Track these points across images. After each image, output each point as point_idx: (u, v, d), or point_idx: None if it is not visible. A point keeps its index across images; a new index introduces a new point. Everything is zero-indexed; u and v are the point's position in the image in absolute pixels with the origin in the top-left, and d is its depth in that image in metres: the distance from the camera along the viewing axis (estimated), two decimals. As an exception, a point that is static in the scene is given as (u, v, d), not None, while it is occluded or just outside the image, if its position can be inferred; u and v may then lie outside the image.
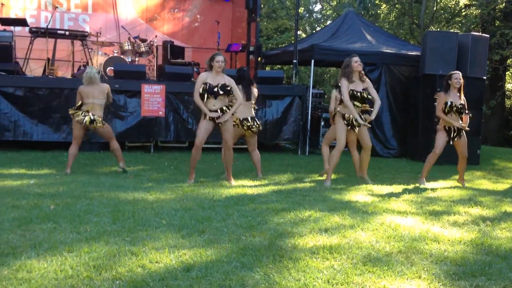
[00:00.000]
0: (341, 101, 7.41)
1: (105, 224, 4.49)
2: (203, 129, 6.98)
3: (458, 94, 7.45)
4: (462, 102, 7.43)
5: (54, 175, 7.28)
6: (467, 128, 7.59)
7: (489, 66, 14.72)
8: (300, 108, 11.31)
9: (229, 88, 6.88)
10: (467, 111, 7.49)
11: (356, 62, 7.34)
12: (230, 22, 15.31)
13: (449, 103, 7.34)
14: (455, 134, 7.47)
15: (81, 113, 7.49)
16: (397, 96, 11.86)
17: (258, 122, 7.81)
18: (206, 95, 6.85)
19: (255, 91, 7.89)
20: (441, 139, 7.49)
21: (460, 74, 7.51)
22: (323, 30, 14.72)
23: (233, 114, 7.14)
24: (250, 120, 7.63)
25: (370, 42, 12.54)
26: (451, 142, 7.54)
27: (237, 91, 7.01)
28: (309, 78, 12.76)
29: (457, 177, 8.18)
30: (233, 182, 7.08)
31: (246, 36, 14.36)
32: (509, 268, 3.66)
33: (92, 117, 7.49)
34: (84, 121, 7.44)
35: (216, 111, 6.91)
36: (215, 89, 6.83)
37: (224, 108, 6.95)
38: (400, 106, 11.87)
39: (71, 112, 7.62)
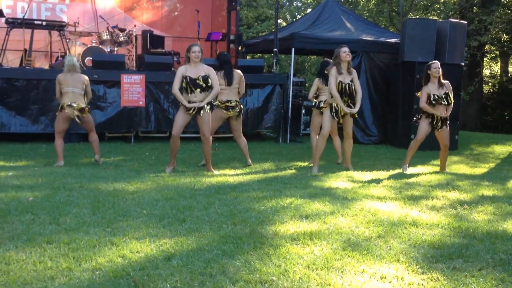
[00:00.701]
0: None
1: (85, 215, 4.46)
2: (180, 120, 6.98)
3: (439, 83, 7.46)
4: (446, 90, 7.44)
5: (32, 167, 7.21)
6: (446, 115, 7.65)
7: (467, 53, 14.86)
8: (281, 97, 11.33)
9: (207, 80, 6.87)
10: (451, 100, 7.46)
11: (344, 52, 7.36)
12: (210, 11, 15.22)
13: (431, 96, 7.36)
14: (439, 123, 7.48)
15: (66, 106, 7.36)
16: (377, 84, 11.94)
17: (241, 106, 7.81)
18: (189, 89, 6.82)
19: (238, 74, 7.81)
20: (423, 127, 7.53)
21: (439, 63, 7.54)
22: (303, 19, 14.72)
23: (212, 103, 7.12)
24: (232, 102, 7.62)
25: (350, 30, 12.58)
26: (435, 130, 7.56)
27: (215, 80, 6.98)
28: (289, 66, 12.77)
29: (436, 162, 8.27)
30: (216, 172, 7.08)
31: (226, 25, 14.31)
32: (486, 250, 3.72)
33: (81, 106, 7.40)
34: (72, 113, 7.36)
35: (193, 103, 6.89)
36: (197, 81, 6.80)
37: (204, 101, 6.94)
38: (380, 93, 11.96)
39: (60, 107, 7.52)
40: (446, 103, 7.37)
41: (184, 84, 6.82)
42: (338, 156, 8.54)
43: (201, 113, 6.90)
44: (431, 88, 7.40)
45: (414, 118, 7.74)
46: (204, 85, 6.82)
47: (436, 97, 7.34)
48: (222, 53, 8.23)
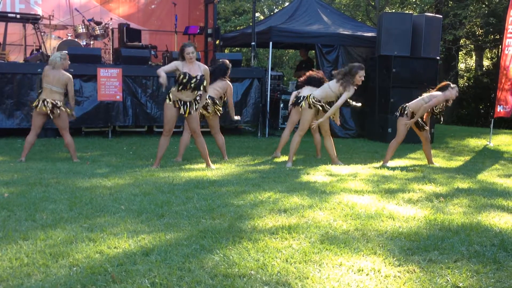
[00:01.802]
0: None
1: (61, 211, 4.41)
2: (169, 117, 6.86)
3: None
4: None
5: (8, 162, 7.10)
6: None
7: (442, 47, 15.04)
8: (259, 91, 11.33)
9: (201, 80, 6.76)
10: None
11: (360, 77, 7.40)
12: (187, 4, 15.11)
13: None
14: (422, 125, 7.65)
15: (40, 101, 7.22)
16: (355, 77, 11.99)
17: (219, 106, 7.79)
18: (183, 86, 6.73)
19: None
20: (403, 128, 7.61)
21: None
22: (281, 12, 14.72)
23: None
24: (208, 98, 7.59)
25: (327, 23, 12.64)
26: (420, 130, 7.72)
27: (207, 83, 6.92)
28: (267, 60, 12.77)
29: (412, 155, 8.37)
30: (213, 167, 7.03)
31: (203, 18, 14.24)
32: (461, 242, 3.79)
33: (53, 103, 7.25)
34: (40, 107, 7.19)
35: (186, 102, 6.80)
36: (193, 80, 6.70)
37: (193, 100, 6.86)
38: (358, 87, 12.01)
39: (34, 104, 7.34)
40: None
41: (183, 80, 6.72)
42: (317, 152, 8.56)
43: (192, 111, 6.83)
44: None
45: (397, 114, 7.75)
46: (196, 85, 6.74)
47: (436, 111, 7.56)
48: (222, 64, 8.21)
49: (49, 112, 7.19)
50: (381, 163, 7.81)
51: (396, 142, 7.67)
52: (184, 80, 6.70)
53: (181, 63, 6.80)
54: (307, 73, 8.08)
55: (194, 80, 6.70)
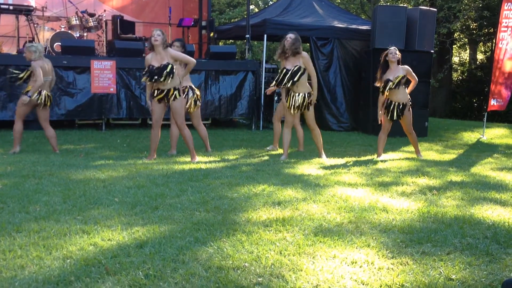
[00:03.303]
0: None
1: (55, 203, 4.41)
2: (156, 109, 6.84)
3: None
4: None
5: (1, 155, 7.07)
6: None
7: (436, 40, 15.05)
8: (253, 83, 11.32)
9: (168, 69, 6.58)
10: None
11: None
12: (181, -4, 15.06)
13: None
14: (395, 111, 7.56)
15: (36, 92, 7.19)
16: (350, 71, 12.02)
17: (198, 94, 7.69)
18: (150, 79, 6.66)
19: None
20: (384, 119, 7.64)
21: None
22: (276, 5, 14.68)
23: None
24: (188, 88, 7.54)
25: (322, 16, 12.62)
26: (395, 119, 7.62)
27: (184, 56, 6.80)
28: (262, 53, 12.74)
29: (406, 148, 8.39)
30: (197, 159, 6.99)
31: (198, 10, 14.18)
32: (454, 234, 3.81)
33: (48, 94, 7.28)
34: (40, 100, 7.20)
35: (163, 91, 6.72)
36: (155, 72, 6.60)
37: (173, 88, 6.73)
38: (353, 80, 12.05)
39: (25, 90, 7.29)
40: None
41: (145, 74, 6.71)
42: (300, 145, 8.49)
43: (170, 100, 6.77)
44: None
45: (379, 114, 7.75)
46: (157, 77, 6.61)
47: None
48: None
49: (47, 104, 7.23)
50: (375, 156, 7.82)
51: (380, 134, 7.71)
52: (147, 74, 6.68)
53: (150, 55, 6.74)
54: None
55: (156, 71, 6.61)
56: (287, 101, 7.25)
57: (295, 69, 7.06)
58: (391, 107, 7.49)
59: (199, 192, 4.89)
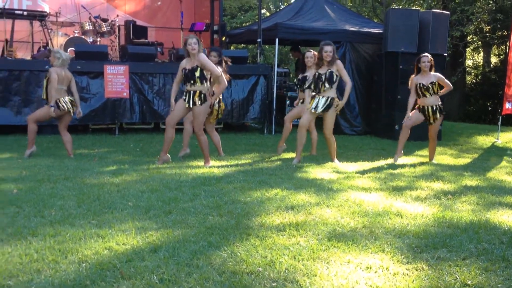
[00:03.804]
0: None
1: (70, 207, 4.44)
2: (175, 108, 6.90)
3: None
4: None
5: (16, 159, 7.13)
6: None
7: (449, 43, 14.96)
8: (265, 87, 11.32)
9: (197, 73, 6.65)
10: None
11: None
12: (193, 1, 15.09)
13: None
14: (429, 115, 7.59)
15: (62, 101, 7.26)
16: (362, 74, 11.98)
17: (222, 107, 7.77)
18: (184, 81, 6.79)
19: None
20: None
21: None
22: (287, 9, 14.69)
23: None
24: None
25: (334, 20, 12.60)
26: (428, 122, 7.65)
27: (211, 67, 6.75)
28: (274, 57, 12.75)
29: (420, 152, 8.34)
30: (210, 163, 7.00)
31: (209, 15, 14.21)
32: (469, 239, 3.78)
33: (71, 101, 7.38)
34: (67, 107, 7.30)
35: (189, 93, 6.76)
36: (188, 74, 6.71)
37: (198, 92, 6.73)
38: (365, 84, 12.00)
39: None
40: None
41: (180, 78, 6.82)
42: (313, 149, 8.47)
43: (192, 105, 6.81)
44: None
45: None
46: (189, 77, 6.72)
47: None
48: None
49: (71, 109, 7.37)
50: (388, 160, 7.80)
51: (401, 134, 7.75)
52: (182, 75, 6.81)
53: (185, 60, 6.85)
54: None
55: (189, 73, 6.70)
56: (310, 102, 7.34)
57: (329, 74, 7.21)
58: (425, 112, 7.55)
59: (212, 197, 4.89)
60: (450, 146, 10.32)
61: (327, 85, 7.21)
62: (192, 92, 6.76)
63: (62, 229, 3.82)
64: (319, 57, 7.36)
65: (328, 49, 7.18)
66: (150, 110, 10.57)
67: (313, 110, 7.31)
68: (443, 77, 7.62)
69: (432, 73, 7.54)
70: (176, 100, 6.98)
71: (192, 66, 6.70)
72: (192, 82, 6.71)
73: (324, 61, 7.26)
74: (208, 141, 7.08)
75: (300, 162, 7.31)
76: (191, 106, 6.78)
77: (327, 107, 7.28)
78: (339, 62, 7.34)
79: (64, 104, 7.28)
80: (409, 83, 7.66)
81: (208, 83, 6.85)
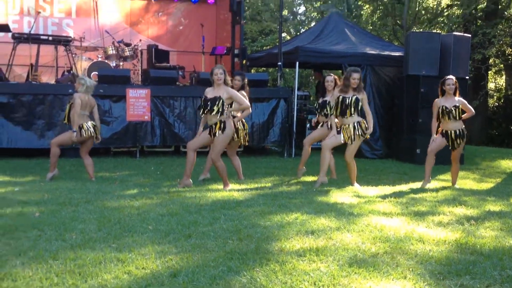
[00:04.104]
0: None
1: (90, 231, 4.46)
2: (200, 135, 7.01)
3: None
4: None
5: (38, 182, 7.23)
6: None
7: (471, 66, 14.86)
8: (285, 111, 11.35)
9: (219, 104, 6.70)
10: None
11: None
12: (214, 25, 15.30)
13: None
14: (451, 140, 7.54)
15: (85, 126, 7.38)
16: (383, 97, 11.94)
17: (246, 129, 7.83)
18: (201, 110, 6.86)
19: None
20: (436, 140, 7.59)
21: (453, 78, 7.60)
22: (307, 32, 14.78)
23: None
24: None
25: (354, 43, 12.63)
26: (451, 148, 7.60)
27: (240, 99, 6.87)
28: (294, 80, 12.79)
29: (442, 176, 8.23)
30: (229, 187, 7.01)
31: (230, 39, 14.37)
32: (493, 266, 3.70)
33: (93, 126, 7.49)
34: (90, 133, 7.41)
35: (211, 126, 6.85)
36: (208, 103, 6.76)
37: (219, 122, 6.79)
38: (386, 107, 11.96)
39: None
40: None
41: (201, 103, 6.90)
42: (332, 173, 8.44)
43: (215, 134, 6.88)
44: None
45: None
46: (208, 107, 6.75)
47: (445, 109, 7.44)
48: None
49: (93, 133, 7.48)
50: (410, 184, 7.73)
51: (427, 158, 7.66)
52: (201, 103, 6.86)
53: (209, 88, 6.92)
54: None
55: (209, 102, 6.75)
56: (341, 132, 7.33)
57: (355, 99, 7.25)
58: (449, 138, 7.51)
59: (231, 220, 4.88)
60: (473, 170, 10.18)
61: (353, 110, 7.21)
62: (213, 124, 6.83)
63: (83, 252, 3.85)
64: (344, 83, 7.35)
65: (356, 76, 7.22)
66: (171, 133, 10.66)
67: (348, 142, 7.30)
68: (466, 102, 7.59)
69: (457, 97, 7.50)
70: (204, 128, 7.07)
71: (215, 96, 6.76)
72: (209, 111, 6.75)
73: (350, 87, 7.28)
74: (225, 165, 7.08)
75: (324, 182, 7.31)
76: (213, 137, 6.85)
77: (354, 136, 7.26)
78: (365, 93, 7.42)
79: (87, 129, 7.38)
80: (433, 106, 7.60)
81: (227, 110, 6.89)
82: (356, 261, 3.77)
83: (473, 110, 7.67)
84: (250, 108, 7.16)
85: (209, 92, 6.87)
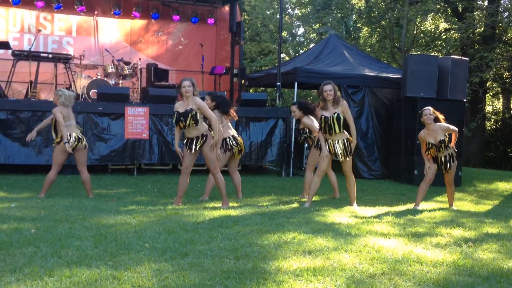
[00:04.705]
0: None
1: (86, 248, 4.43)
2: (186, 156, 6.90)
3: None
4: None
5: (35, 199, 7.20)
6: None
7: (469, 89, 14.94)
8: (283, 130, 11.38)
9: (191, 114, 6.65)
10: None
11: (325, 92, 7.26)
12: (214, 45, 15.42)
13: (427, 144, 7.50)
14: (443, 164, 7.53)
15: (71, 137, 7.35)
16: (381, 118, 11.99)
17: (240, 143, 7.79)
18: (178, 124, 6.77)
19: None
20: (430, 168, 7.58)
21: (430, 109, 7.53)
22: (306, 53, 14.89)
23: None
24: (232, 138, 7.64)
25: (353, 64, 12.72)
26: (442, 172, 7.60)
27: (207, 110, 6.81)
28: (292, 100, 12.85)
29: (439, 198, 8.23)
30: (228, 205, 6.97)
31: (230, 58, 14.48)
32: (491, 289, 3.68)
33: (79, 136, 7.41)
34: (72, 143, 7.32)
35: (192, 138, 6.81)
36: (181, 118, 6.69)
37: (201, 135, 6.78)
38: (384, 128, 12.00)
39: (56, 140, 7.43)
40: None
41: (174, 119, 6.82)
42: (335, 192, 8.45)
43: (194, 148, 6.82)
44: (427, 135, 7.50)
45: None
46: (182, 120, 6.68)
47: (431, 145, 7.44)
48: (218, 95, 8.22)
49: (78, 144, 7.34)
50: (407, 205, 7.71)
51: (424, 182, 7.62)
52: (174, 119, 6.80)
53: (178, 103, 6.90)
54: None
55: (181, 117, 6.68)
56: (328, 150, 7.28)
57: (336, 116, 7.12)
58: (439, 163, 7.50)
59: (229, 239, 4.86)
60: (470, 192, 10.18)
61: (337, 128, 7.14)
62: (194, 138, 6.78)
63: (79, 270, 3.81)
64: (321, 99, 7.24)
65: (328, 88, 7.06)
66: (169, 151, 10.66)
67: (335, 158, 7.28)
68: (447, 125, 7.49)
69: (438, 124, 7.44)
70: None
71: (186, 109, 6.71)
72: (184, 126, 6.69)
73: (327, 102, 7.16)
74: (225, 181, 7.06)
75: (310, 206, 7.26)
76: (193, 151, 6.79)
77: (346, 153, 7.24)
78: (344, 102, 7.26)
79: (75, 136, 7.33)
80: (419, 138, 7.58)
81: (205, 123, 6.87)
82: (353, 281, 3.75)
83: (456, 129, 7.62)
84: (221, 130, 7.12)
85: (180, 107, 6.80)
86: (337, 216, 6.40)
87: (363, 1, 22.28)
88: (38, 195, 7.45)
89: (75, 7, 13.51)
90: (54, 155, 7.50)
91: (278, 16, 18.87)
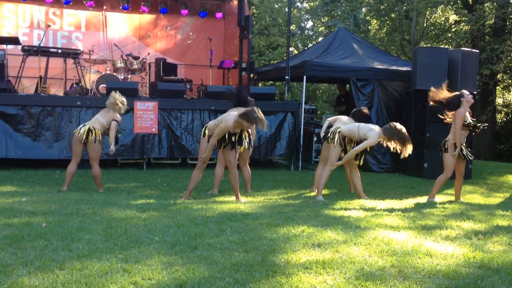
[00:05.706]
0: None
1: (97, 241, 4.46)
2: (203, 149, 7.02)
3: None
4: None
5: (46, 193, 7.25)
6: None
7: (479, 81, 14.85)
8: (292, 124, 11.36)
9: None
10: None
11: (393, 145, 7.59)
12: (222, 39, 15.39)
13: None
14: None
15: (80, 128, 7.51)
16: (390, 111, 11.94)
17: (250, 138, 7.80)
18: None
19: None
20: (450, 161, 7.53)
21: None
22: (315, 47, 14.84)
23: None
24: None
25: (362, 58, 12.66)
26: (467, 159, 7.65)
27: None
28: (301, 94, 12.83)
29: (449, 191, 8.20)
30: (243, 200, 7.03)
31: (238, 53, 14.46)
32: (501, 281, 3.67)
33: (90, 128, 7.50)
34: (79, 133, 7.43)
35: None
36: None
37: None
38: (393, 121, 11.91)
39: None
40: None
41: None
42: (351, 186, 8.46)
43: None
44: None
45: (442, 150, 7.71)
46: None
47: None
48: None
49: (84, 137, 7.41)
50: (417, 198, 7.68)
51: (445, 177, 7.54)
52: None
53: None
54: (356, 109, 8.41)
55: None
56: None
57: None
58: (463, 150, 7.56)
59: (238, 232, 4.87)
60: (480, 185, 10.12)
61: None
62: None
63: (89, 263, 3.84)
64: None
65: None
66: (178, 145, 10.69)
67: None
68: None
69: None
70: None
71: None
72: None
73: None
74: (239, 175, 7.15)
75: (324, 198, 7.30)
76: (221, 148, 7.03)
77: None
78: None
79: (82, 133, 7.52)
80: (459, 118, 7.52)
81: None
82: (363, 274, 3.75)
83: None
84: None
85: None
86: (346, 209, 6.40)
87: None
88: (61, 188, 7.57)
89: (84, 2, 13.53)
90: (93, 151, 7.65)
91: (286, 9, 18.81)
